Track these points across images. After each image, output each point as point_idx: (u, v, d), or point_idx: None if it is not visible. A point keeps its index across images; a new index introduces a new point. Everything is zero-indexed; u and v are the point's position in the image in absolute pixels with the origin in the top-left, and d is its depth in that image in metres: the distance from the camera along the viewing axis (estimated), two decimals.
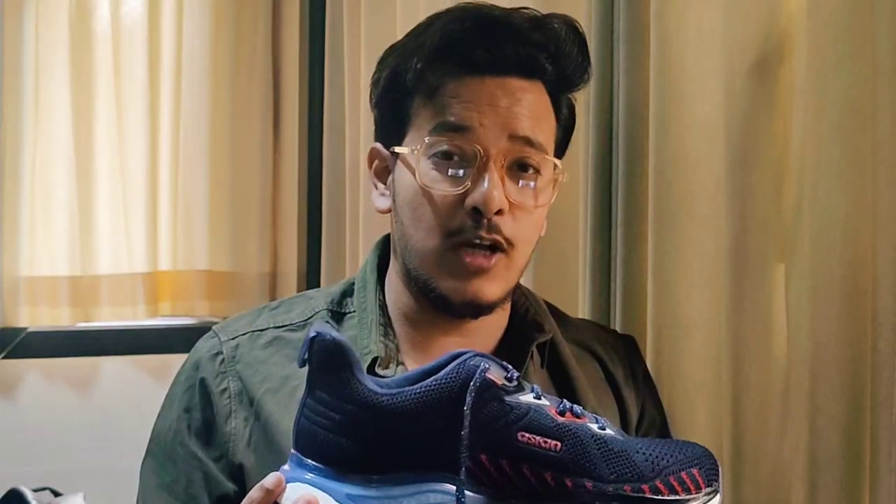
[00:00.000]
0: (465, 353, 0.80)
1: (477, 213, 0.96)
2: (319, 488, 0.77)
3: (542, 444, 0.78)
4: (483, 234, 0.97)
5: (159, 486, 1.02)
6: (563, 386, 1.07)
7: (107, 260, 2.35)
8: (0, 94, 2.24)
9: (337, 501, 0.77)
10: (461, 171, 0.98)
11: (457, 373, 0.78)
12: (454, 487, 0.77)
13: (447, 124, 0.98)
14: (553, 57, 1.01)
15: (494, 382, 0.79)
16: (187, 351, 1.09)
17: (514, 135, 0.98)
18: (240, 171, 2.47)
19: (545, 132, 1.02)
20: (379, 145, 1.07)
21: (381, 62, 1.07)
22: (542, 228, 1.06)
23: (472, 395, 0.77)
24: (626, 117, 1.32)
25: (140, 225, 2.39)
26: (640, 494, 0.78)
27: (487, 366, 0.79)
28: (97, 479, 2.34)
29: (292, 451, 0.81)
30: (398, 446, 0.78)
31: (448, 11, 1.05)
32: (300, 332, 1.05)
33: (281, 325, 1.06)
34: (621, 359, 1.14)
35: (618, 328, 1.32)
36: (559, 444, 0.78)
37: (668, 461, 0.80)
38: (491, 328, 1.06)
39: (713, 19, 1.22)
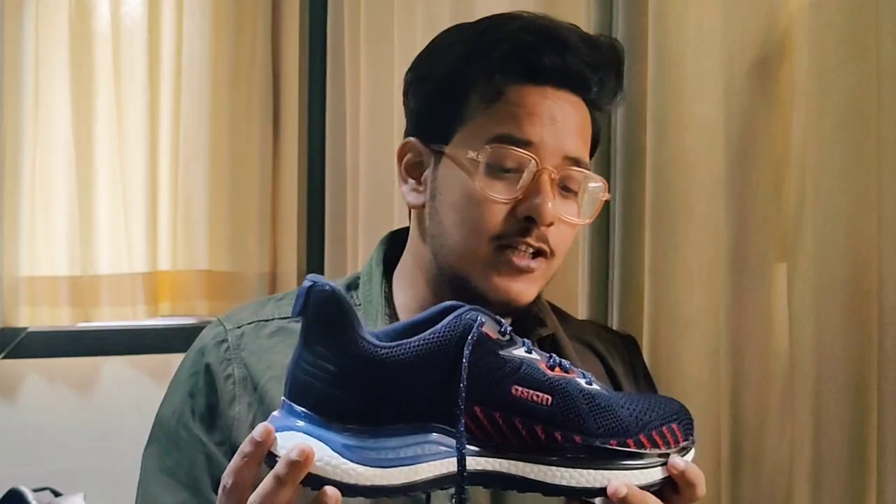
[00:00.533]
0: (460, 306, 0.81)
1: (529, 221, 0.99)
2: (311, 436, 0.77)
3: (534, 398, 0.80)
4: (532, 241, 0.99)
5: (161, 470, 1.02)
6: None
7: (107, 260, 2.35)
8: (0, 94, 2.23)
9: (333, 451, 0.76)
10: (514, 180, 0.99)
11: (454, 326, 0.79)
12: (450, 439, 0.78)
13: (512, 138, 0.99)
14: (600, 77, 1.03)
15: (489, 336, 0.80)
16: (187, 351, 1.09)
17: (568, 155, 1.01)
18: (240, 171, 2.47)
19: (587, 150, 1.05)
20: (415, 140, 1.06)
21: (427, 59, 1.07)
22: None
23: (470, 348, 0.78)
24: (625, 116, 1.32)
25: (140, 225, 2.39)
26: (626, 448, 0.81)
27: (483, 320, 0.80)
28: (97, 479, 2.34)
29: (283, 398, 0.80)
30: (395, 399, 0.78)
31: (511, 19, 1.05)
32: None
33: (286, 315, 1.06)
34: (622, 356, 1.15)
35: (615, 326, 1.32)
36: (550, 398, 0.80)
37: (650, 416, 0.83)
38: None
39: (713, 19, 1.22)
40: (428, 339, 0.79)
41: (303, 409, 0.78)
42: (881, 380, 0.99)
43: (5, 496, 1.99)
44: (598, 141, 1.09)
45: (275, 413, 0.80)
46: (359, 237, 2.06)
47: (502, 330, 0.82)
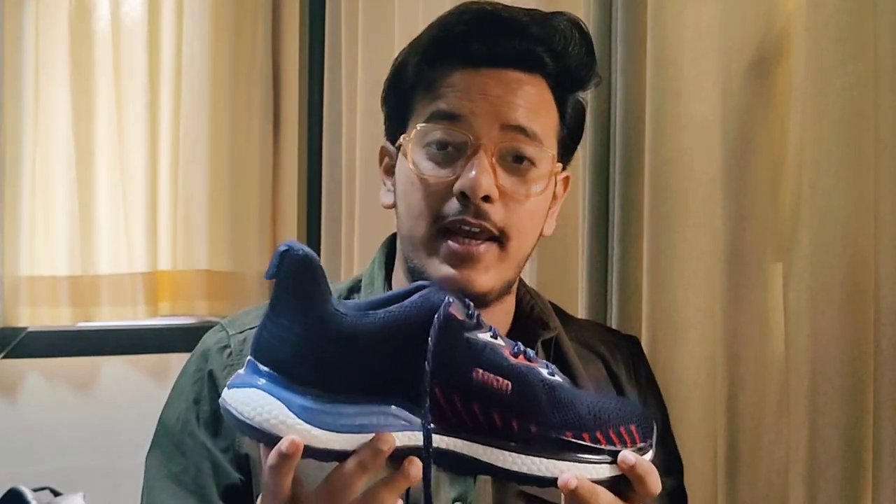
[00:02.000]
0: (429, 285, 0.82)
1: (464, 197, 0.96)
2: (271, 395, 0.77)
3: (494, 383, 0.80)
4: (470, 218, 0.96)
5: (167, 477, 1.02)
6: None
7: (107, 260, 2.35)
8: (0, 94, 2.23)
9: (291, 411, 0.76)
10: (453, 160, 0.98)
11: (421, 304, 0.79)
12: (408, 413, 0.78)
13: (439, 113, 0.99)
14: (553, 52, 1.01)
15: (456, 317, 0.80)
16: (187, 351, 1.09)
17: (507, 124, 0.98)
18: (240, 171, 2.47)
19: (543, 125, 1.01)
20: (387, 143, 1.08)
21: (394, 61, 1.08)
22: (544, 224, 1.05)
23: (437, 328, 0.78)
24: (624, 116, 1.32)
25: (140, 225, 2.39)
26: (580, 441, 0.81)
27: (451, 300, 0.80)
28: (97, 479, 2.34)
29: (249, 357, 0.80)
30: (356, 368, 0.78)
31: (452, 11, 1.06)
32: None
33: None
34: (624, 358, 1.14)
35: (613, 327, 1.32)
36: (510, 384, 0.80)
37: (609, 415, 0.83)
38: (496, 324, 1.06)
39: (711, 19, 1.22)
40: (393, 313, 0.79)
41: (266, 369, 0.78)
42: (877, 381, 0.99)
43: (5, 496, 1.99)
44: (580, 127, 1.08)
45: (240, 371, 0.80)
46: (354, 237, 2.06)
47: (470, 312, 0.81)
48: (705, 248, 1.22)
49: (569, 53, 1.03)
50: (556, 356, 1.09)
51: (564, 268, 1.46)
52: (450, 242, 0.97)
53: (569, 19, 1.03)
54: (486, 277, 0.98)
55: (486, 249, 0.98)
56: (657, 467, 0.96)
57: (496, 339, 0.82)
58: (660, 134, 1.25)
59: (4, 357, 2.28)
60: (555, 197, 1.06)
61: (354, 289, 1.10)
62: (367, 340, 0.78)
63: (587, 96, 1.08)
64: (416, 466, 0.78)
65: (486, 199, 0.96)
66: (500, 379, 0.80)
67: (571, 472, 0.81)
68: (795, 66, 1.12)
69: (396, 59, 1.08)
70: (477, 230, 0.97)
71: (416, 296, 0.80)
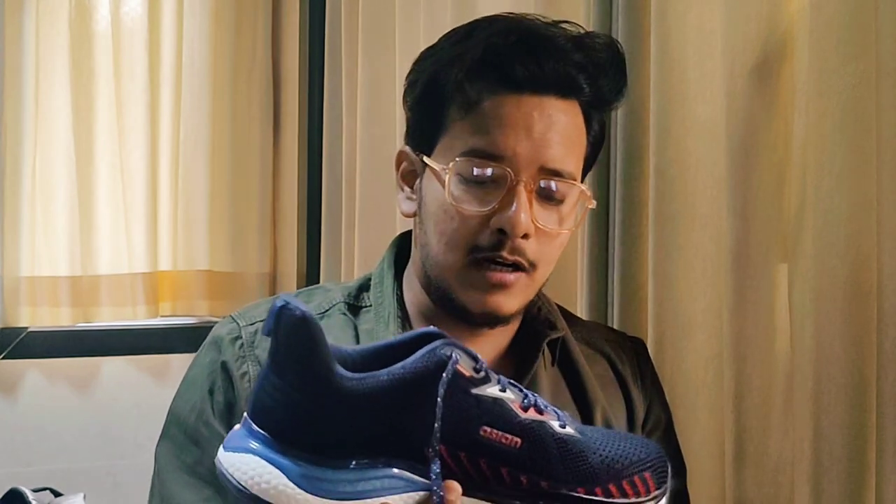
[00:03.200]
0: (437, 335, 0.79)
1: (502, 234, 0.97)
2: (268, 461, 0.75)
3: (503, 440, 0.78)
4: (506, 255, 0.98)
5: (180, 468, 1.01)
6: (574, 383, 1.09)
7: (107, 260, 2.35)
8: (0, 94, 2.23)
9: (290, 479, 0.74)
10: (490, 192, 0.98)
11: (426, 361, 0.76)
12: (410, 475, 0.76)
13: (482, 151, 0.98)
14: (591, 77, 1.01)
15: (463, 374, 0.78)
16: (188, 351, 1.09)
17: (546, 167, 0.98)
18: (240, 171, 2.47)
19: (575, 158, 1.02)
20: (408, 149, 1.07)
21: (418, 64, 1.06)
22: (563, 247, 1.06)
23: (445, 387, 0.76)
24: (626, 118, 1.32)
25: (140, 225, 2.39)
26: (592, 496, 0.79)
27: (458, 357, 0.77)
28: (97, 479, 2.34)
29: (245, 415, 0.78)
30: (358, 431, 0.76)
31: (491, 23, 1.03)
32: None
33: None
34: (630, 359, 1.15)
35: (615, 328, 1.32)
36: (520, 441, 0.78)
37: (623, 464, 0.80)
38: (504, 330, 1.07)
39: (714, 20, 1.22)
40: (398, 374, 0.76)
41: (262, 432, 0.76)
42: (880, 380, 0.99)
43: (5, 496, 1.99)
44: (601, 142, 1.08)
45: (235, 427, 0.79)
46: (354, 238, 2.06)
47: (477, 367, 0.79)
48: (711, 248, 1.23)
49: (604, 78, 1.02)
50: (563, 356, 1.10)
51: (564, 268, 1.46)
52: (485, 273, 0.98)
53: (605, 42, 1.03)
54: (513, 302, 1.00)
55: (516, 278, 0.99)
56: None
57: (505, 391, 0.80)
58: (664, 135, 1.25)
59: (4, 357, 2.28)
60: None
61: (364, 287, 1.10)
62: (369, 403, 0.76)
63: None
64: (455, 491, 0.76)
65: (524, 235, 0.97)
66: (510, 436, 0.78)
67: None
68: (798, 68, 1.12)
69: (423, 64, 1.05)
70: (511, 263, 0.98)
71: (421, 352, 0.77)
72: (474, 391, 0.78)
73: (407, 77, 1.07)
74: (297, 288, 2.39)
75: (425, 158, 1.02)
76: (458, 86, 0.99)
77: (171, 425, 1.04)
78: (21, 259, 2.27)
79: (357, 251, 2.04)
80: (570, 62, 0.99)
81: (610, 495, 0.79)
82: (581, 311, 1.39)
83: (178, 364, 2.32)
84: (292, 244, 2.43)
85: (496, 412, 0.78)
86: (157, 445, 1.05)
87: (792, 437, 1.12)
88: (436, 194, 1.01)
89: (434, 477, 0.76)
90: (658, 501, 0.82)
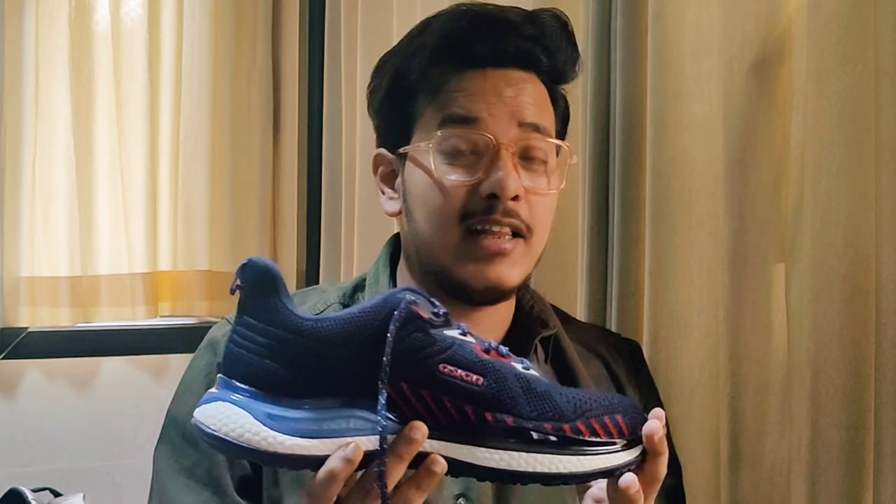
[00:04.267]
0: (407, 290, 0.80)
1: (493, 198, 0.98)
2: (238, 405, 0.77)
3: (465, 378, 0.78)
4: (499, 218, 0.98)
5: (179, 472, 1.01)
6: (568, 381, 1.08)
7: (107, 260, 2.35)
8: (0, 95, 2.23)
9: (255, 419, 0.76)
10: (474, 162, 1.00)
11: (383, 303, 0.78)
12: (374, 415, 0.77)
13: (456, 116, 1.00)
14: (546, 49, 1.04)
15: (420, 315, 0.79)
16: (187, 351, 1.09)
17: (523, 122, 1.00)
18: (240, 171, 2.47)
19: (550, 120, 1.04)
20: (383, 150, 1.08)
21: (379, 69, 1.09)
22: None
23: (396, 323, 0.77)
24: (624, 117, 1.32)
25: (140, 225, 2.39)
26: (561, 433, 0.78)
27: (414, 299, 0.79)
28: (97, 479, 2.34)
29: (220, 374, 0.80)
30: (322, 372, 0.77)
31: (442, 13, 1.07)
32: None
33: None
34: (624, 360, 1.15)
35: (613, 327, 1.33)
36: (481, 378, 0.78)
37: (590, 405, 0.80)
38: (497, 319, 1.08)
39: (712, 19, 1.22)
40: (354, 314, 0.78)
41: (231, 380, 0.78)
42: (878, 380, 0.99)
43: (5, 496, 1.99)
44: (568, 117, 1.10)
45: (212, 389, 0.80)
46: (354, 238, 2.06)
47: (436, 311, 0.80)
48: (708, 248, 1.23)
49: (558, 50, 1.05)
50: (556, 354, 1.10)
51: (563, 268, 1.46)
52: (481, 240, 0.99)
53: (552, 15, 1.06)
54: (514, 272, 1.01)
55: (514, 245, 1.00)
56: None
57: (466, 336, 0.81)
58: (661, 134, 1.25)
59: (4, 357, 2.28)
60: None
61: (359, 287, 1.10)
62: (328, 343, 0.77)
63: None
64: (440, 464, 0.77)
65: (514, 198, 0.98)
66: (471, 374, 0.78)
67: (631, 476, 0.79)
68: (797, 67, 1.12)
69: (384, 67, 1.08)
70: (507, 229, 0.99)
71: (379, 296, 0.79)
72: (432, 331, 0.79)
73: (368, 86, 1.09)
74: (297, 288, 2.39)
75: (404, 148, 1.04)
76: (423, 74, 1.02)
77: (168, 428, 1.04)
78: (21, 259, 2.27)
79: (356, 251, 2.04)
80: (524, 36, 1.03)
81: (579, 433, 0.78)
82: (580, 310, 1.39)
83: (178, 364, 2.32)
84: (292, 244, 2.43)
85: (455, 351, 0.79)
86: (156, 449, 1.05)
87: (789, 437, 1.12)
88: (420, 178, 1.02)
89: (380, 409, 0.76)
90: (635, 445, 0.81)
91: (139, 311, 2.39)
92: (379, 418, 0.76)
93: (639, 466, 0.81)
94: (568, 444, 0.78)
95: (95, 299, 2.35)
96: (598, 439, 0.79)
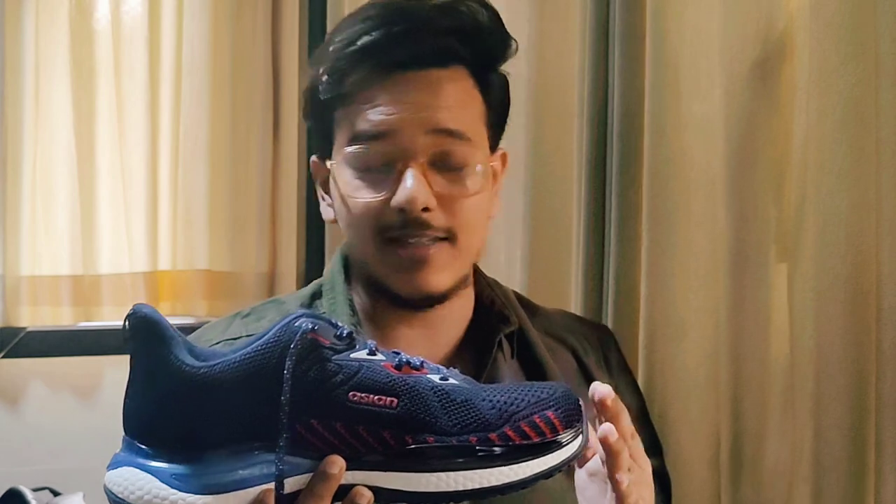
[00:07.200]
0: (293, 314, 0.75)
1: (403, 212, 0.96)
2: (143, 469, 0.73)
3: (377, 402, 0.73)
4: (413, 231, 0.97)
5: None
6: (536, 376, 1.07)
7: (108, 259, 2.35)
8: (0, 94, 2.23)
9: (161, 482, 0.72)
10: (383, 175, 0.97)
11: (278, 337, 0.73)
12: (292, 457, 0.73)
13: (362, 134, 0.98)
14: (467, 38, 0.99)
15: (321, 342, 0.74)
16: None
17: (435, 129, 0.97)
18: (240, 171, 2.46)
19: (470, 119, 1.00)
20: (315, 158, 1.07)
21: (308, 71, 1.06)
22: (492, 209, 1.04)
23: (293, 358, 0.72)
24: (621, 116, 1.31)
25: (140, 224, 2.38)
26: (488, 445, 0.74)
27: (311, 326, 0.74)
28: (97, 479, 2.32)
29: (124, 434, 0.77)
30: (223, 420, 0.73)
31: (352, 16, 1.02)
32: None
33: (253, 333, 1.02)
34: (594, 348, 1.14)
35: (610, 327, 1.32)
36: (395, 399, 0.74)
37: (518, 406, 0.75)
38: (455, 318, 1.07)
39: (712, 19, 1.22)
40: (248, 354, 0.73)
41: (136, 441, 0.75)
42: (880, 381, 0.99)
43: (5, 496, 1.99)
44: (507, 102, 1.05)
45: (118, 451, 0.77)
46: None
47: (338, 333, 0.76)
48: (705, 248, 1.22)
49: (482, 35, 1.00)
50: (523, 349, 1.08)
51: (557, 267, 1.46)
52: (398, 250, 0.97)
53: (474, 2, 1.01)
54: (441, 277, 0.99)
55: (436, 250, 0.98)
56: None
57: (375, 355, 0.76)
58: (660, 134, 1.25)
59: (4, 357, 2.28)
60: (495, 178, 1.05)
61: (317, 294, 1.09)
62: (224, 389, 0.73)
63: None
64: (364, 496, 0.73)
65: (425, 209, 0.96)
66: (383, 397, 0.74)
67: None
68: (798, 67, 1.11)
69: (309, 69, 1.05)
70: (423, 239, 0.97)
71: (272, 329, 0.74)
72: (335, 358, 0.74)
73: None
74: (297, 288, 2.39)
75: (328, 162, 1.02)
76: (330, 84, 0.99)
77: None
78: (21, 258, 2.27)
79: None
80: (439, 30, 0.98)
81: (508, 440, 0.74)
82: (576, 309, 1.39)
83: None
84: (292, 244, 2.43)
85: (364, 375, 0.74)
86: None
87: (791, 438, 1.11)
88: (337, 193, 1.01)
89: (278, 452, 0.72)
90: (573, 440, 0.76)
91: None
92: (276, 462, 0.72)
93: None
94: (497, 455, 0.74)
95: (96, 298, 2.35)
96: (529, 442, 0.74)
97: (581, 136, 1.38)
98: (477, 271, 1.08)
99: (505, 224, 1.59)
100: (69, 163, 2.29)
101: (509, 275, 1.55)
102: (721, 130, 1.18)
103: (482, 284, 1.09)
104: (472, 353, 1.07)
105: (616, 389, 1.11)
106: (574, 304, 1.41)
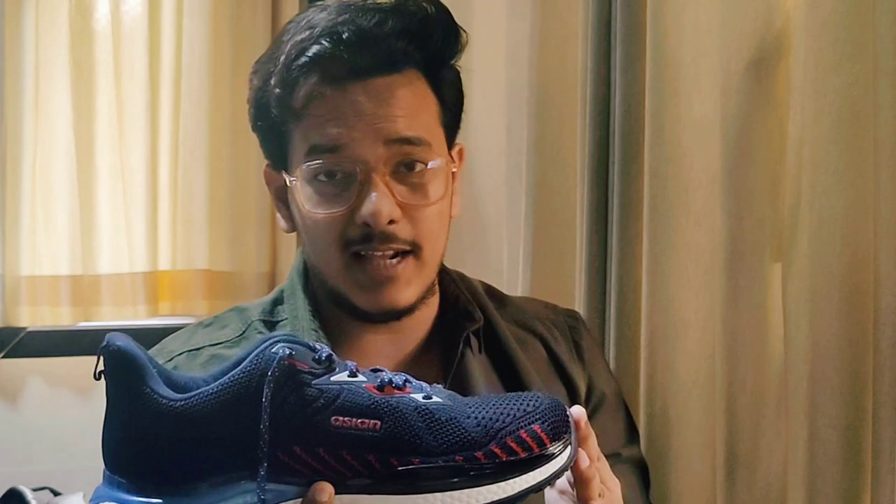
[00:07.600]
0: (269, 338, 0.74)
1: (368, 226, 0.94)
2: None
3: (360, 426, 0.72)
4: (378, 245, 0.95)
5: None
6: (505, 370, 1.06)
7: (107, 259, 2.35)
8: (0, 94, 2.23)
9: None
10: (345, 189, 0.95)
11: (255, 365, 0.71)
12: (274, 484, 0.71)
13: (319, 147, 0.95)
14: (416, 40, 0.97)
15: (299, 367, 0.72)
16: None
17: (391, 139, 0.95)
18: (239, 170, 2.46)
19: (425, 123, 0.98)
20: (268, 167, 1.05)
21: (250, 79, 1.03)
22: (453, 210, 1.03)
23: (271, 385, 0.71)
24: (623, 116, 1.31)
25: (140, 224, 2.39)
26: (475, 463, 0.72)
27: (289, 352, 0.72)
28: (97, 479, 2.32)
29: (104, 469, 0.74)
30: (203, 452, 0.71)
31: (297, 24, 0.99)
32: (236, 347, 1.01)
33: (217, 342, 1.03)
34: (563, 335, 1.13)
35: (612, 326, 1.32)
36: (378, 422, 0.72)
37: (503, 422, 0.73)
38: (421, 320, 1.05)
39: (711, 18, 1.22)
40: (225, 384, 0.72)
41: (115, 476, 0.73)
42: (876, 381, 0.98)
43: (5, 496, 1.99)
44: (460, 98, 1.03)
45: (98, 484, 0.75)
46: None
47: (317, 357, 0.74)
48: (705, 247, 1.22)
49: (431, 34, 0.98)
50: (491, 343, 1.07)
51: (560, 266, 1.46)
52: (368, 269, 0.96)
53: (421, 1, 0.98)
54: (407, 293, 0.98)
55: (403, 266, 0.97)
56: (615, 440, 0.95)
57: (356, 376, 0.74)
58: (659, 133, 1.25)
59: (4, 357, 2.28)
60: (453, 178, 1.03)
61: (279, 300, 1.07)
62: (204, 422, 0.71)
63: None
64: None
65: (390, 222, 0.95)
66: (366, 420, 0.72)
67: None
68: (794, 66, 1.11)
69: (252, 83, 1.02)
70: (389, 252, 0.95)
71: (249, 357, 0.72)
72: (315, 383, 0.73)
73: (247, 95, 1.04)
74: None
75: (285, 175, 1.00)
76: (281, 100, 0.97)
77: None
78: (21, 258, 2.27)
79: None
80: (386, 35, 0.95)
81: (494, 457, 0.72)
82: (578, 308, 1.39)
83: None
84: (291, 244, 2.43)
85: (346, 399, 0.72)
86: None
87: (785, 437, 1.11)
88: (297, 206, 0.99)
89: (259, 481, 0.70)
90: (560, 455, 0.74)
91: (140, 311, 2.38)
92: (258, 492, 0.70)
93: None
94: (485, 473, 0.73)
95: (96, 298, 2.35)
96: (517, 458, 0.73)
97: (583, 136, 1.38)
98: (441, 269, 1.06)
99: (507, 224, 1.59)
100: (69, 163, 2.29)
101: (512, 275, 1.56)
102: (717, 130, 1.18)
103: (447, 281, 1.08)
104: (439, 351, 1.05)
105: (590, 379, 1.11)
106: (577, 304, 1.41)
